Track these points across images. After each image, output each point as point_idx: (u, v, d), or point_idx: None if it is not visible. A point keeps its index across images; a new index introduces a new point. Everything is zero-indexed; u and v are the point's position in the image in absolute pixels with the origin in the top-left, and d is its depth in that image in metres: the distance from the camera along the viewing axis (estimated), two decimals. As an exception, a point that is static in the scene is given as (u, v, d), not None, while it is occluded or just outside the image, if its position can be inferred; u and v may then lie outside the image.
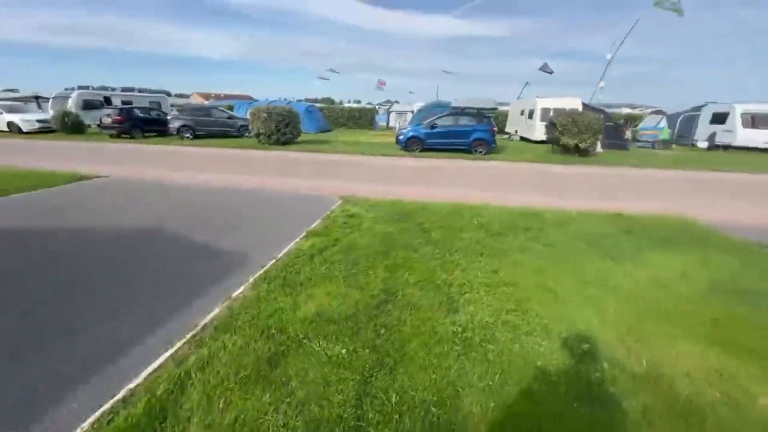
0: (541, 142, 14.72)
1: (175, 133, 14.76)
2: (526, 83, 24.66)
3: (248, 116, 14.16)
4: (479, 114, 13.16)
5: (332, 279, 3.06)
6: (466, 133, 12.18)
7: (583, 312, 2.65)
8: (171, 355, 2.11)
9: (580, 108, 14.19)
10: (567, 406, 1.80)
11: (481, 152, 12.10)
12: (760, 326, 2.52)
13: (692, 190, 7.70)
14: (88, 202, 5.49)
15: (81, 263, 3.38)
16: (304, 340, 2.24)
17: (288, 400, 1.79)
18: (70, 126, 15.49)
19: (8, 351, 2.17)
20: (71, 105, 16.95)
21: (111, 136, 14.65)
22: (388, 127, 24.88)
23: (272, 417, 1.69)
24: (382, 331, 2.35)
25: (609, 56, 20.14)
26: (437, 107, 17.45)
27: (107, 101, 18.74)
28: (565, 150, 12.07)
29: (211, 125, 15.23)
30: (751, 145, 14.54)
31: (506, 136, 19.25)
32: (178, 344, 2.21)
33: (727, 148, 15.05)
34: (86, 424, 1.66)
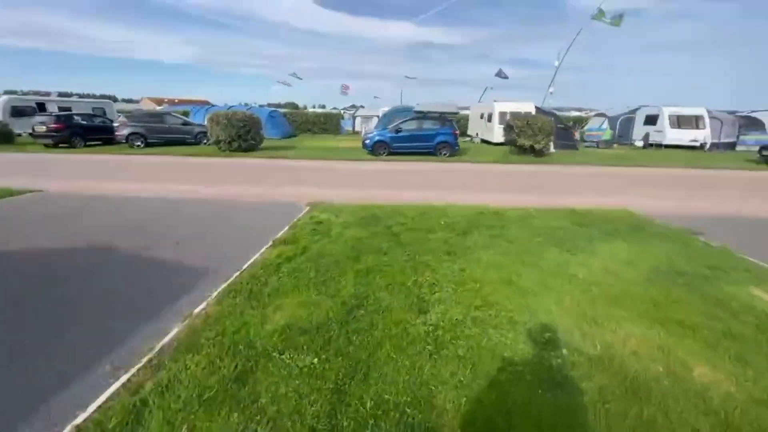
0: (501, 143, 15.50)
1: (124, 141, 13.68)
2: (486, 88, 25.92)
3: (206, 122, 13.50)
4: (442, 118, 13.62)
5: (301, 288, 2.98)
6: (431, 137, 12.53)
7: (543, 302, 2.82)
8: (124, 383, 1.94)
9: (533, 111, 15.18)
10: (533, 394, 1.90)
11: (445, 154, 12.49)
12: (692, 304, 2.84)
13: (632, 184, 8.49)
14: (18, 219, 4.90)
15: (13, 286, 3.01)
16: (274, 354, 2.16)
17: (258, 417, 1.71)
18: (-5, 135, 13.81)
19: None
20: (-3, 112, 15.12)
21: (47, 146, 13.23)
22: (354, 132, 24.90)
23: (241, 437, 1.61)
24: (355, 337, 2.33)
25: (557, 63, 21.78)
26: (402, 111, 17.82)
27: (41, 107, 16.93)
28: (522, 151, 12.81)
29: (165, 132, 14.30)
30: (678, 143, 16.37)
31: (468, 138, 20.04)
32: (133, 370, 2.03)
33: (659, 146, 16.81)
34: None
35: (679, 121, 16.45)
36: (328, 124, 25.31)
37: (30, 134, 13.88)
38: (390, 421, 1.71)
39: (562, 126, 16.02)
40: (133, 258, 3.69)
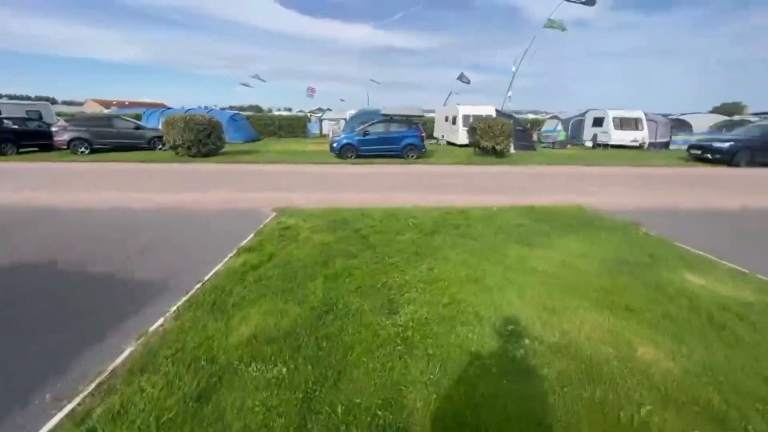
0: (465, 145, 16.07)
1: (65, 147, 12.46)
2: (450, 92, 26.81)
3: (161, 126, 12.68)
4: (408, 120, 13.86)
5: (268, 296, 2.89)
6: (398, 139, 12.69)
7: (506, 296, 2.95)
8: (69, 413, 1.76)
9: (494, 114, 15.91)
10: (498, 385, 1.98)
11: (412, 157, 12.71)
12: (636, 290, 3.12)
13: (584, 182, 9.16)
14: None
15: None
16: (240, 366, 2.07)
17: (223, 435, 1.64)
18: None
19: None
20: None
21: (-32, 153, 11.73)
22: (321, 135, 24.59)
23: (205, 458, 1.53)
24: (325, 343, 2.30)
25: (514, 69, 23.02)
26: (369, 114, 17.91)
27: (-39, 111, 14.94)
28: (485, 152, 13.36)
29: (114, 137, 13.23)
30: (621, 143, 17.95)
31: (434, 140, 20.54)
32: (78, 399, 1.86)
33: (606, 146, 18.31)
34: None
35: (622, 123, 18.06)
36: (294, 127, 24.77)
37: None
38: (361, 425, 1.71)
39: (521, 128, 16.93)
40: (78, 275, 3.37)
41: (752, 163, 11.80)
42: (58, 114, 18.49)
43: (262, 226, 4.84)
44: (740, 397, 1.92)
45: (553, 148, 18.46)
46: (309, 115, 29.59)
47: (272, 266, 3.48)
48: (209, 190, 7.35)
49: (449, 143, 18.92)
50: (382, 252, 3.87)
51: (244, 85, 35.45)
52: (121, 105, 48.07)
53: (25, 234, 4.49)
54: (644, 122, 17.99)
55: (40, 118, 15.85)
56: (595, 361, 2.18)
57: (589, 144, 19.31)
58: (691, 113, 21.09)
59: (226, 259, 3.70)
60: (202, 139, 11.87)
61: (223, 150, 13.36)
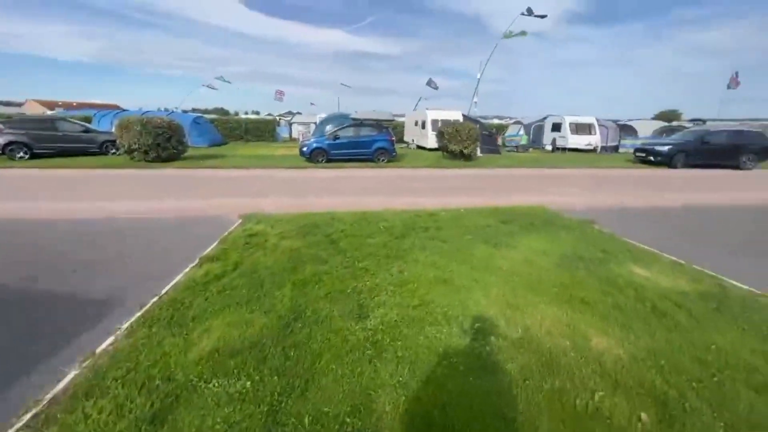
0: (434, 149, 16.46)
1: (0, 152, 11.23)
2: (420, 98, 27.31)
3: (114, 129, 11.82)
4: (378, 125, 13.96)
5: (232, 307, 2.77)
6: (369, 143, 12.72)
7: (473, 295, 3.04)
8: (-2, 450, 1.57)
9: (461, 119, 16.45)
10: (465, 383, 2.03)
11: (383, 160, 12.79)
12: (591, 284, 3.34)
13: (545, 183, 9.69)
14: None
15: None
16: (199, 383, 1.96)
17: (180, 458, 1.54)
18: None
19: None
20: None
21: None
22: (291, 139, 24.10)
23: (159, 485, 1.42)
24: (292, 352, 2.24)
25: (478, 75, 23.94)
26: (339, 118, 17.84)
27: None
28: (453, 155, 13.75)
29: (59, 141, 12.11)
30: (577, 146, 19.23)
31: (405, 144, 20.85)
32: (11, 431, 1.66)
33: (564, 150, 19.53)
34: None
35: (578, 128, 19.36)
36: (262, 131, 24.05)
37: None
38: (329, 433, 1.67)
39: (487, 132, 17.62)
40: (16, 293, 3.04)
41: (687, 164, 13.12)
42: (-9, 115, 16.66)
43: (226, 233, 4.64)
44: (679, 377, 2.11)
45: (517, 151, 19.40)
46: (278, 118, 28.89)
47: (237, 275, 3.34)
48: (168, 196, 6.94)
49: (419, 147, 19.27)
50: (352, 256, 3.84)
51: (208, 86, 33.69)
52: (68, 106, 44.30)
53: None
54: (597, 127, 19.40)
55: (-31, 119, 14.19)
56: (554, 353, 2.30)
57: (549, 148, 20.48)
58: (637, 119, 23.07)
59: (187, 269, 3.50)
60: (161, 143, 11.20)
61: (186, 155, 12.69)
